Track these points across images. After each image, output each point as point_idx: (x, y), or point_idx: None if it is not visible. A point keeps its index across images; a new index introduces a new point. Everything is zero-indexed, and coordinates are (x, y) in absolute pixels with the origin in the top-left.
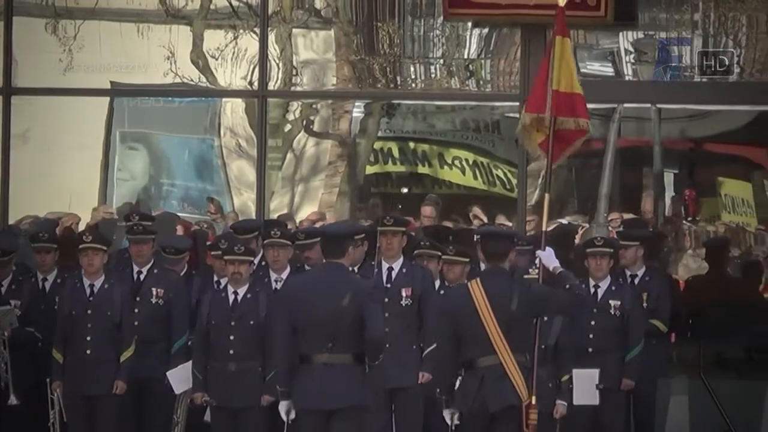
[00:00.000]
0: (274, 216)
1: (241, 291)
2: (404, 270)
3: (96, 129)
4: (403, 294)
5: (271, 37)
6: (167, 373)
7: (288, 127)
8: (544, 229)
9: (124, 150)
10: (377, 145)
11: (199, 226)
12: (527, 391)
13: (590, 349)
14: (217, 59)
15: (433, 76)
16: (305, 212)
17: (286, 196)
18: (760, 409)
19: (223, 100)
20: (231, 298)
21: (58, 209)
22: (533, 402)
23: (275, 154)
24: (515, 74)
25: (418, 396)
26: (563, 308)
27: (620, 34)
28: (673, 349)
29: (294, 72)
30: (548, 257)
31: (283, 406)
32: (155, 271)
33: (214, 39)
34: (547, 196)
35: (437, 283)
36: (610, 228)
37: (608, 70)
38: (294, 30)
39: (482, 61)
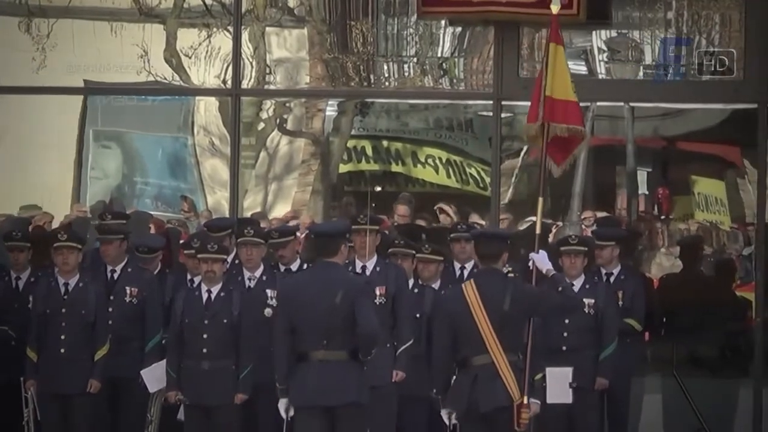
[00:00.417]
0: (248, 214)
1: (215, 289)
2: (378, 268)
3: (69, 127)
4: (377, 292)
5: (245, 35)
6: (141, 372)
7: (261, 125)
8: (537, 232)
9: (97, 148)
10: (350, 143)
11: (172, 225)
12: (519, 391)
13: (564, 348)
14: (190, 58)
15: (406, 74)
16: (279, 211)
17: (260, 194)
18: (733, 407)
19: (197, 98)
20: (204, 296)
21: (31, 208)
22: (525, 401)
23: (249, 152)
24: (489, 73)
25: (391, 394)
26: (555, 309)
27: (593, 32)
28: (647, 348)
29: (267, 70)
30: (541, 259)
31: (282, 404)
32: (129, 269)
33: (187, 37)
34: (540, 200)
35: (411, 282)
36: (583, 226)
37: (581, 68)
38: (267, 28)
39: (456, 59)
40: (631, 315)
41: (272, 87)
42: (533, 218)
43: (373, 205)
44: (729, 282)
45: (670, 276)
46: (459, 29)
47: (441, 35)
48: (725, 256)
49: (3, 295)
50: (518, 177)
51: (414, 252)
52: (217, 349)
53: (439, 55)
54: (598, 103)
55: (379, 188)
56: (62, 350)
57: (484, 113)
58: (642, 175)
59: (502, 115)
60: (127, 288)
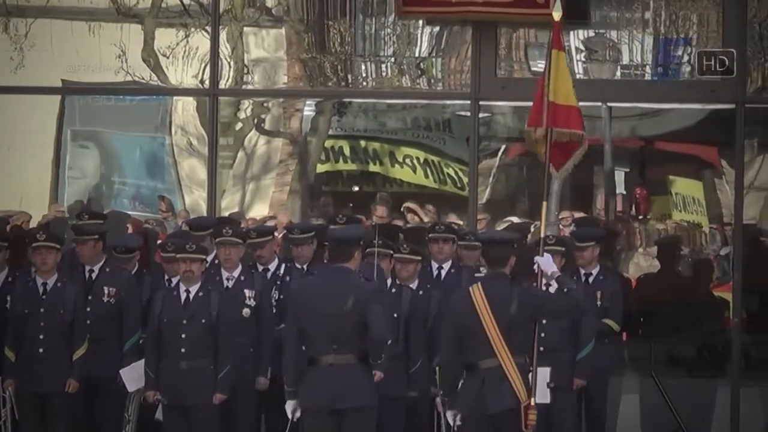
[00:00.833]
0: (225, 214)
1: (193, 289)
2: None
3: (47, 127)
4: None
5: (223, 35)
6: (120, 371)
7: (239, 125)
8: (542, 235)
9: (75, 148)
10: (328, 143)
11: (150, 225)
12: (526, 393)
13: (542, 348)
14: (168, 58)
15: (384, 74)
16: (256, 210)
17: (237, 194)
18: (710, 407)
19: (175, 98)
20: (183, 296)
21: (9, 207)
22: (532, 403)
23: (226, 152)
24: (466, 72)
25: None
26: (562, 312)
27: (571, 32)
28: (624, 348)
29: (245, 70)
30: (546, 262)
31: (289, 405)
32: (107, 269)
33: (165, 37)
34: (544, 204)
35: (389, 282)
36: (561, 226)
37: None
38: (245, 28)
39: (433, 59)
40: (609, 315)
41: (250, 87)
42: (512, 218)
43: (351, 205)
44: (706, 282)
45: (647, 276)
46: (436, 29)
47: (419, 35)
48: (703, 257)
49: None
50: (496, 177)
51: (392, 252)
52: (196, 349)
53: (416, 55)
54: None
55: (356, 188)
56: (40, 350)
57: (462, 113)
58: (619, 175)
59: (480, 115)
60: (105, 288)
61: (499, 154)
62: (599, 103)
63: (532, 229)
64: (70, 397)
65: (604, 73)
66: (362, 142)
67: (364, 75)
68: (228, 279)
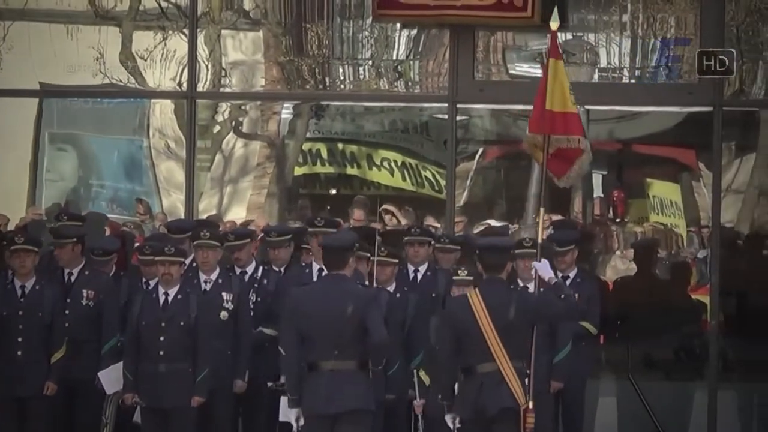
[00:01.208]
0: (203, 217)
1: (172, 292)
2: None
3: (25, 130)
4: None
5: (200, 38)
6: (99, 374)
7: (217, 128)
8: (539, 241)
9: (53, 151)
10: (306, 146)
11: (127, 227)
12: (524, 396)
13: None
14: (146, 60)
15: (361, 77)
16: (234, 213)
17: (215, 197)
18: (688, 410)
19: (152, 101)
20: (161, 299)
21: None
22: (530, 406)
23: (204, 155)
24: (444, 75)
25: None
26: (559, 317)
27: (548, 35)
28: (602, 351)
29: (223, 73)
30: (544, 268)
31: (292, 413)
32: (86, 272)
33: (143, 40)
34: (542, 210)
35: (367, 284)
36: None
37: (536, 71)
38: (223, 31)
39: (411, 62)
40: (587, 318)
41: (228, 90)
42: (489, 221)
43: (328, 207)
44: (684, 285)
45: (625, 279)
46: (414, 32)
47: (396, 38)
48: (680, 259)
49: None
50: (473, 180)
51: (369, 255)
52: (174, 352)
53: (394, 57)
54: None
55: (334, 191)
56: (19, 353)
57: (440, 116)
58: (597, 178)
59: (458, 118)
60: (84, 291)
61: (477, 157)
62: (577, 106)
63: (510, 232)
64: (49, 399)
65: (582, 76)
66: (340, 145)
67: (341, 78)
68: (206, 282)
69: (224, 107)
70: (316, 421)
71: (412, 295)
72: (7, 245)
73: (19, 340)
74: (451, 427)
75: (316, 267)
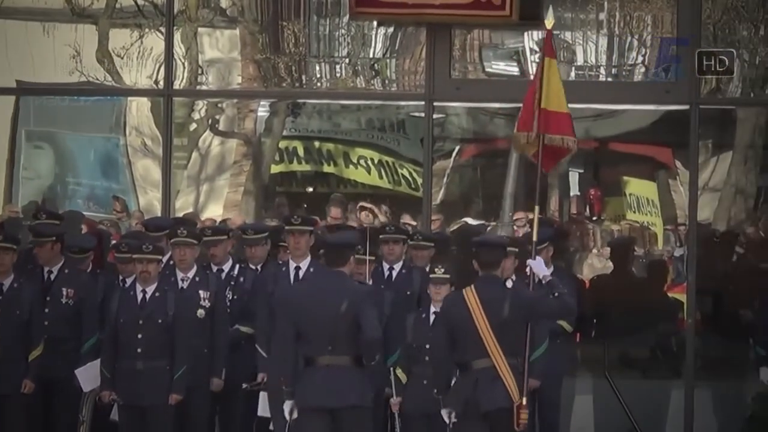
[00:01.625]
0: (180, 215)
1: (150, 290)
2: (311, 269)
3: (1, 127)
4: None
5: (177, 36)
6: (76, 371)
7: (193, 126)
8: (534, 239)
9: (29, 149)
10: (282, 144)
11: (104, 225)
12: (518, 392)
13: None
14: (122, 58)
15: (338, 75)
16: (211, 211)
17: (192, 195)
18: (664, 408)
19: (129, 99)
20: (139, 296)
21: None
22: (524, 402)
23: (181, 153)
24: (420, 73)
25: None
26: (552, 314)
27: (525, 33)
28: (578, 349)
29: (200, 71)
30: (538, 266)
31: (287, 406)
32: (66, 271)
33: (119, 38)
34: (537, 208)
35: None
36: (515, 227)
37: (513, 69)
38: (199, 29)
39: (387, 60)
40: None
41: (204, 87)
42: (466, 219)
43: (305, 205)
44: (660, 283)
45: (601, 277)
46: (391, 30)
47: (373, 36)
48: (657, 258)
49: None
50: (450, 178)
51: None
52: (152, 350)
53: (371, 56)
54: None
55: (310, 189)
56: None
57: (416, 114)
58: (574, 176)
59: (434, 116)
60: (64, 289)
61: (453, 155)
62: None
63: (487, 229)
64: (26, 397)
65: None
66: (316, 143)
67: (318, 76)
68: (183, 280)
69: (201, 105)
70: (312, 414)
71: (388, 293)
72: None
73: None
74: (447, 421)
75: (293, 265)
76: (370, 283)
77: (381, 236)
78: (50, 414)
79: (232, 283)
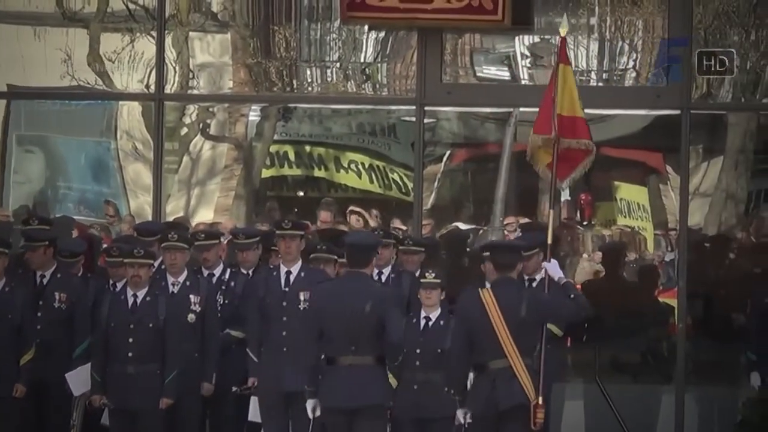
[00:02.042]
0: (170, 219)
1: (141, 294)
2: (302, 274)
3: None
4: (302, 298)
5: (168, 40)
6: (66, 375)
7: (184, 130)
8: (549, 242)
9: (20, 153)
10: (273, 148)
11: (95, 229)
12: (534, 392)
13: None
14: (113, 62)
15: (329, 79)
16: (201, 215)
17: (182, 199)
18: (655, 413)
19: (120, 103)
20: (130, 300)
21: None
22: (540, 402)
23: (172, 157)
24: (412, 78)
25: None
26: (568, 316)
27: (517, 38)
28: (569, 353)
29: (191, 75)
30: (553, 268)
31: (309, 404)
32: (58, 275)
33: (110, 42)
34: (551, 212)
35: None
36: (506, 232)
37: (504, 74)
38: (191, 33)
39: (379, 64)
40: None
41: (195, 92)
42: (457, 224)
43: (296, 210)
44: (651, 288)
45: (592, 282)
46: (382, 34)
47: (364, 40)
48: (648, 262)
49: None
50: (441, 182)
51: (336, 257)
52: (143, 354)
53: (362, 60)
54: (521, 109)
55: (301, 193)
56: None
57: (407, 118)
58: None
59: (425, 121)
60: (57, 293)
61: (444, 159)
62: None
63: (478, 234)
64: (18, 401)
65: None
66: (307, 147)
67: (309, 80)
68: (173, 284)
69: (192, 109)
70: (334, 414)
71: None
72: None
73: None
74: (462, 422)
75: (283, 269)
76: None
77: None
78: (41, 418)
79: (223, 287)
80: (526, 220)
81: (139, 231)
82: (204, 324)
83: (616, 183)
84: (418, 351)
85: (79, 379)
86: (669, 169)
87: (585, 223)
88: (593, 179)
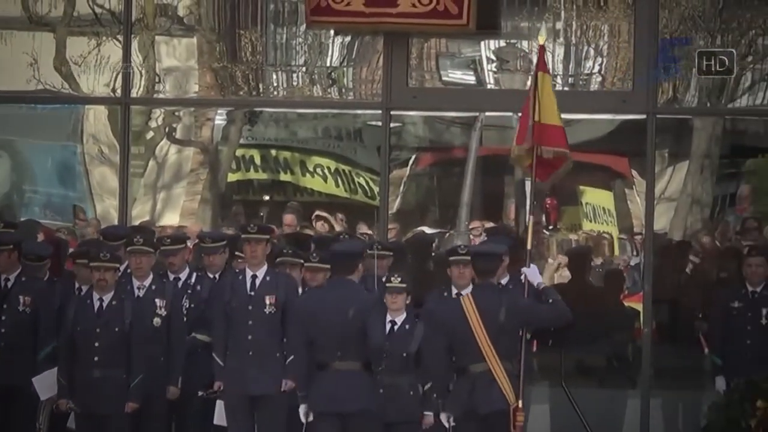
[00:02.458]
0: (136, 223)
1: (107, 298)
2: (268, 278)
3: None
4: (267, 302)
5: (134, 44)
6: (33, 379)
7: (150, 134)
8: (528, 247)
9: None
10: (239, 152)
11: (61, 233)
12: (514, 396)
13: (453, 358)
14: (80, 66)
15: (295, 83)
16: (167, 219)
17: (148, 203)
18: (620, 417)
19: (86, 107)
20: (96, 305)
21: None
22: (520, 405)
23: (138, 161)
24: (377, 82)
25: (281, 404)
26: (547, 321)
27: (482, 42)
28: (535, 357)
29: (157, 79)
30: (533, 274)
31: (302, 409)
32: (23, 278)
33: (77, 46)
34: (531, 218)
35: (300, 290)
36: (471, 236)
37: (470, 78)
38: (157, 37)
39: (345, 68)
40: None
41: (162, 96)
42: (422, 228)
43: (261, 214)
44: (617, 292)
45: (558, 286)
46: (348, 39)
47: (330, 45)
48: (613, 267)
49: None
50: (406, 186)
51: (302, 261)
52: (109, 358)
53: (328, 64)
54: (487, 113)
55: (267, 197)
56: None
57: (373, 123)
58: (530, 185)
59: (391, 125)
60: (21, 297)
61: (410, 163)
62: (510, 113)
63: (444, 238)
64: None
65: (516, 83)
66: (273, 152)
67: (275, 84)
68: (139, 288)
69: (158, 113)
70: (324, 418)
71: None
72: None
73: None
74: (446, 425)
75: (249, 273)
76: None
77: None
78: (7, 421)
79: (189, 291)
80: (492, 224)
81: (105, 235)
82: (169, 328)
83: (582, 187)
84: (383, 355)
85: (45, 383)
86: (635, 173)
87: (551, 227)
88: (559, 183)
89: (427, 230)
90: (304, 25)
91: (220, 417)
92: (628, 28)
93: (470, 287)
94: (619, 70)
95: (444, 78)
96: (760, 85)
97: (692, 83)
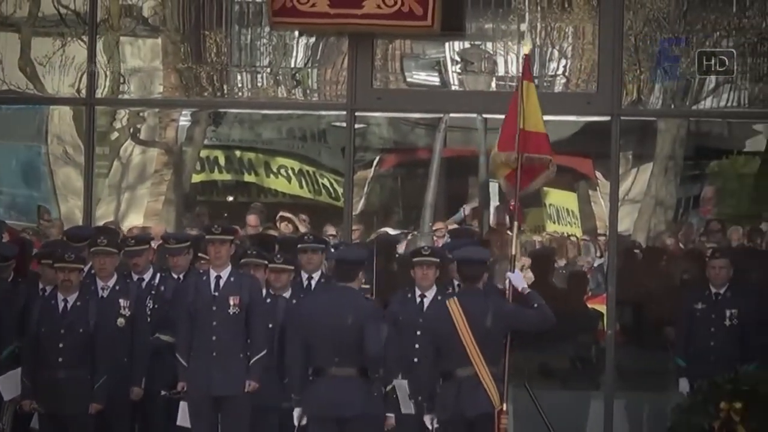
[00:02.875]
0: (100, 223)
1: (71, 299)
2: (232, 278)
3: None
4: (231, 302)
5: (99, 45)
6: None
7: (115, 135)
8: (513, 252)
9: None
10: (203, 153)
11: (26, 234)
12: (499, 399)
13: (416, 359)
14: (45, 66)
15: (260, 84)
16: (131, 220)
17: (113, 203)
18: (584, 419)
19: (51, 107)
20: (61, 305)
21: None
22: (504, 408)
23: (102, 161)
24: (342, 83)
25: (244, 404)
26: (533, 325)
27: (447, 44)
28: None
29: (122, 80)
30: (517, 279)
31: (296, 413)
32: None
33: (42, 46)
34: (516, 223)
35: (264, 292)
36: (435, 237)
37: (434, 79)
38: (122, 38)
39: (309, 70)
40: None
41: (126, 96)
42: (386, 229)
43: (225, 215)
44: (580, 294)
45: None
46: (312, 40)
47: (294, 46)
48: (577, 268)
49: None
50: (370, 187)
51: (266, 262)
52: (73, 359)
53: (292, 65)
54: (451, 115)
55: (231, 198)
56: None
57: (338, 124)
58: (494, 187)
59: (356, 126)
60: None
61: (374, 164)
62: (474, 115)
63: (407, 240)
64: None
65: (480, 85)
66: (237, 152)
67: (239, 85)
68: (103, 288)
69: (122, 114)
70: (321, 423)
71: None
72: None
73: None
74: (430, 427)
75: (213, 274)
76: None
77: (299, 246)
78: None
79: (153, 292)
80: (455, 225)
81: (69, 236)
82: (133, 328)
83: (546, 189)
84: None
85: (9, 384)
86: (599, 175)
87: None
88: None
89: (391, 231)
90: (269, 26)
91: (183, 418)
92: (593, 30)
93: (434, 289)
94: (584, 72)
95: (408, 79)
96: (724, 87)
97: (656, 85)
